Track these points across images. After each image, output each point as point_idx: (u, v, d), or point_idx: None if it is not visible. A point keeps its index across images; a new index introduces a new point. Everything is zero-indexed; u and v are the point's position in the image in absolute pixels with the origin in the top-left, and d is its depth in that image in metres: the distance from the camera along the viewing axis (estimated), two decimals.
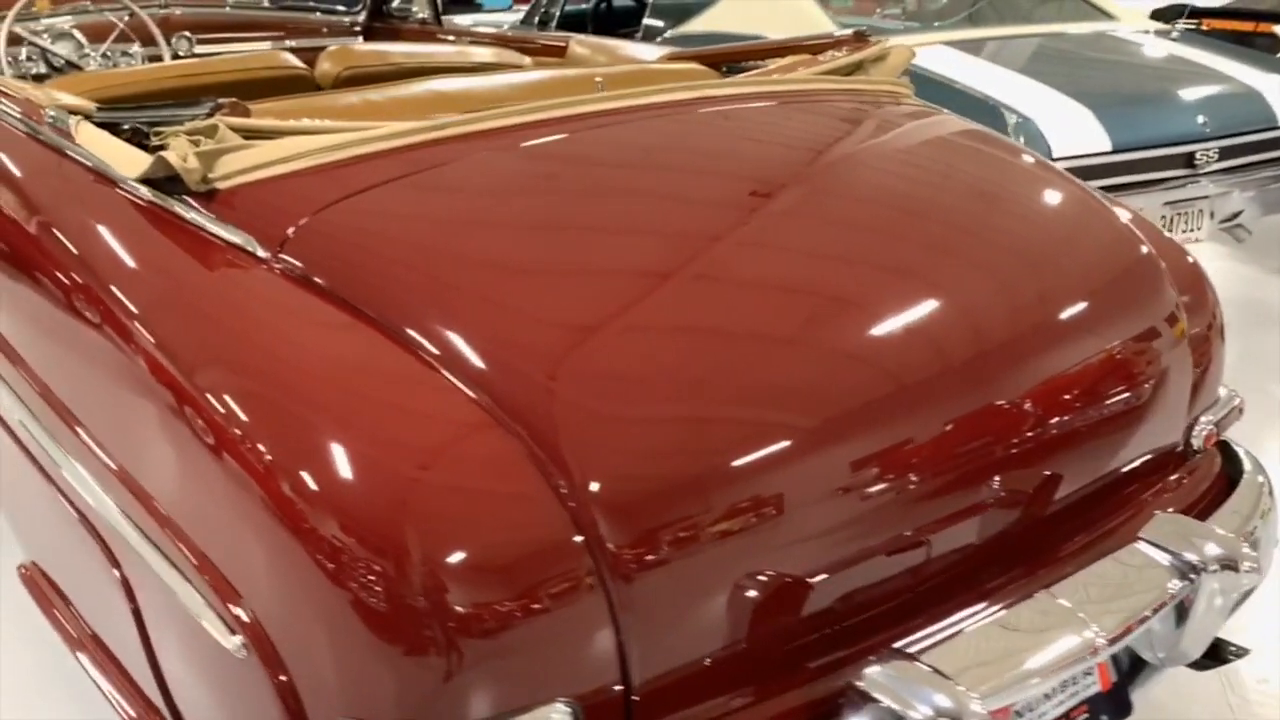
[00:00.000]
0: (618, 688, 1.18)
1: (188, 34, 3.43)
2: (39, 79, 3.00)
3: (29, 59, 3.09)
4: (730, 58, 2.62)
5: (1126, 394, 1.60)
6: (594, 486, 1.16)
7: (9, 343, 1.80)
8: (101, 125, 1.71)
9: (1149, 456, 1.69)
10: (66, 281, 1.55)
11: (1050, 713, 1.45)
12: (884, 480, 1.33)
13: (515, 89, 2.04)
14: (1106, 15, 5.04)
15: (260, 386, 1.24)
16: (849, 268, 1.52)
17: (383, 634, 1.10)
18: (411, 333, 1.28)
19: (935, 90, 3.66)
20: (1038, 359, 1.52)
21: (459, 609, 1.09)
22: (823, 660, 1.31)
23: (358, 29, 4.01)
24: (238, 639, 1.20)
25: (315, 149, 1.52)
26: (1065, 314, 1.60)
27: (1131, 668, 1.62)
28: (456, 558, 1.09)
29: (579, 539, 1.13)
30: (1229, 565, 1.49)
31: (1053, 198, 1.89)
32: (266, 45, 3.71)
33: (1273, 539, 1.76)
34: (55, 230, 1.64)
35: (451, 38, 3.69)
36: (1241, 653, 1.80)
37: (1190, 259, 1.90)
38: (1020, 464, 1.47)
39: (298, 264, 1.38)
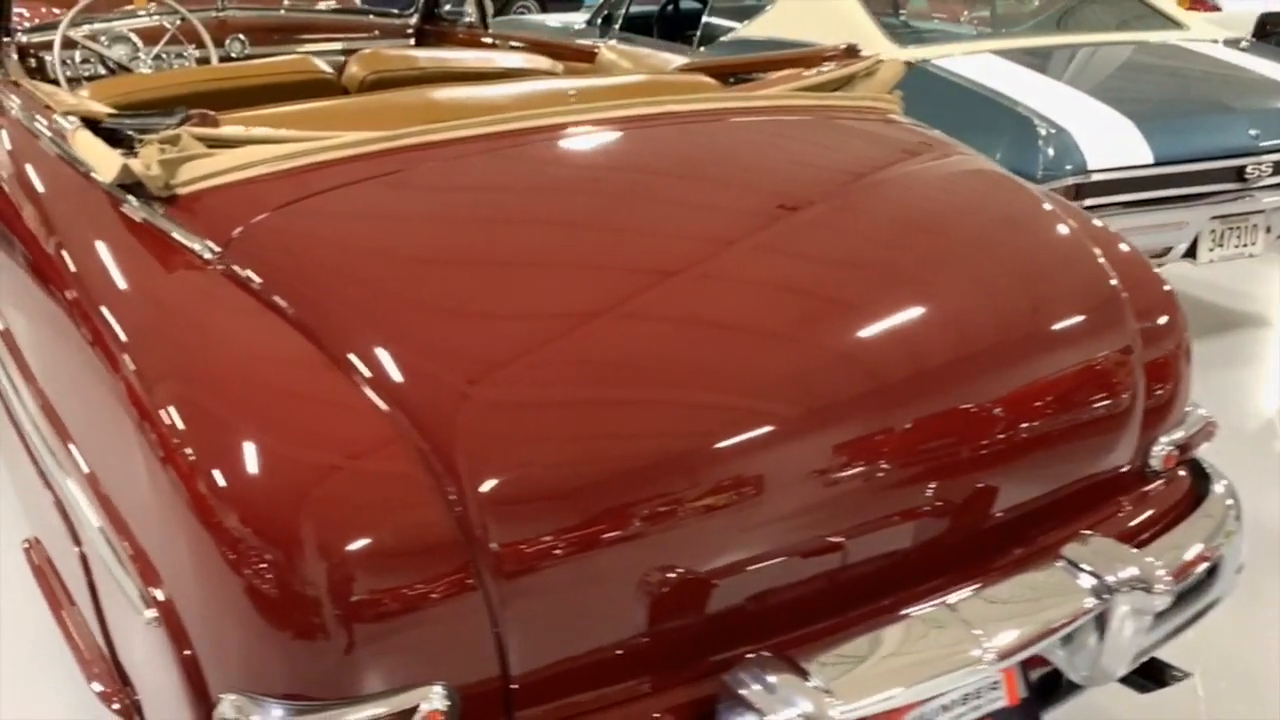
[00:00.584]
0: (496, 676, 1.25)
1: (241, 36, 3.57)
2: (93, 80, 3.17)
3: (85, 61, 3.25)
4: (737, 69, 2.65)
5: (1062, 415, 1.61)
6: (481, 489, 1.22)
7: (8, 330, 1.95)
8: (109, 129, 1.85)
9: (1089, 476, 1.69)
10: (42, 267, 1.70)
11: None
12: (781, 487, 1.37)
13: (508, 99, 2.11)
14: (1176, 24, 4.92)
15: (180, 379, 1.33)
16: (762, 282, 1.55)
17: (272, 618, 1.18)
18: (327, 332, 1.35)
19: (965, 97, 3.64)
20: (965, 376, 1.53)
21: (341, 598, 1.17)
22: (707, 659, 1.35)
23: (410, 31, 4.13)
24: (152, 613, 1.30)
25: (271, 157, 1.61)
26: (1000, 332, 1.61)
27: (1051, 685, 1.62)
28: (341, 551, 1.17)
29: (460, 538, 1.21)
30: (1141, 587, 1.49)
31: (1007, 219, 1.89)
32: (320, 47, 3.83)
33: (1236, 559, 1.76)
34: (43, 223, 1.77)
35: (493, 42, 3.79)
36: (1182, 676, 1.80)
37: (1164, 285, 1.88)
38: (935, 478, 1.48)
39: (237, 266, 1.47)
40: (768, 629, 1.38)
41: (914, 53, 4.07)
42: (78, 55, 3.23)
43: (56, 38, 3.06)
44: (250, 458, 1.22)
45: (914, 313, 1.55)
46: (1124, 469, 1.75)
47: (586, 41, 3.61)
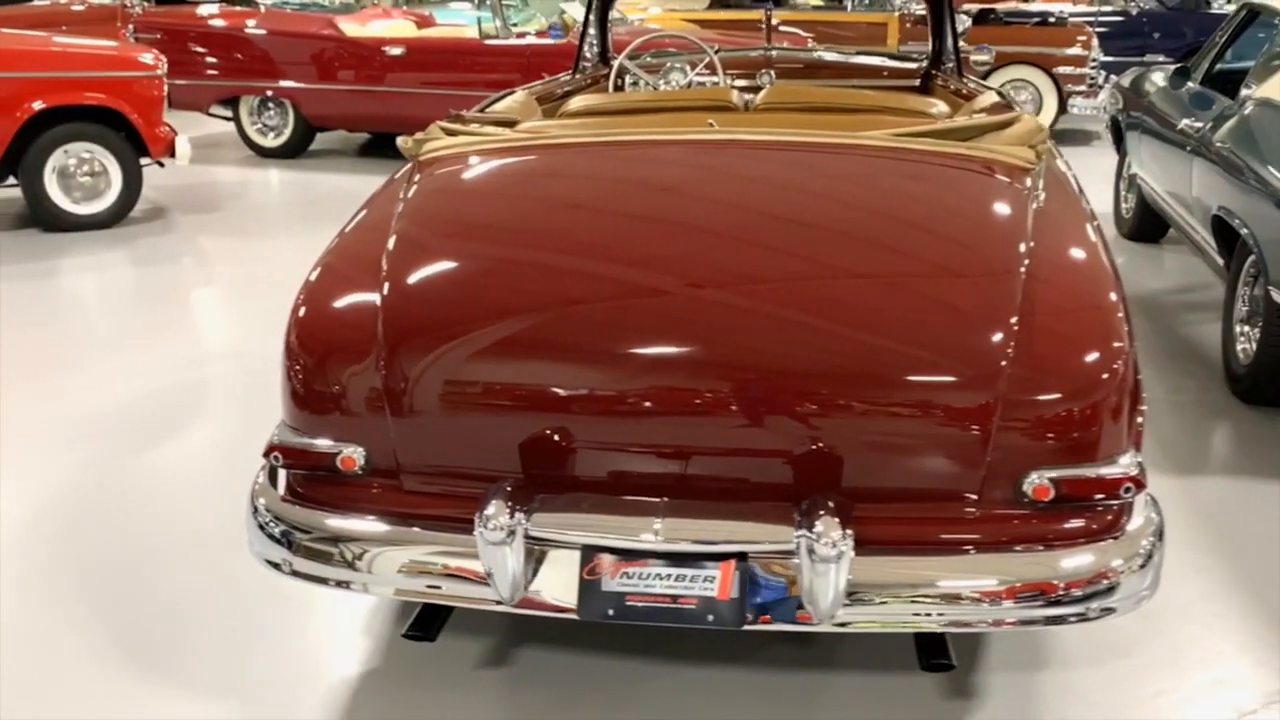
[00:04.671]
0: (391, 451, 2.19)
1: (770, 71, 4.66)
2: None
3: (634, 83, 4.72)
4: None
5: (875, 418, 2.07)
6: (392, 353, 2.16)
7: None
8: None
9: (897, 476, 2.08)
10: None
11: (657, 587, 2.04)
12: (591, 384, 2.14)
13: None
14: None
15: None
16: (658, 268, 2.30)
17: (293, 384, 2.27)
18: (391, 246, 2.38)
19: None
20: (788, 354, 2.11)
21: (313, 380, 2.25)
22: (496, 469, 2.15)
23: (918, 75, 4.57)
24: None
25: (468, 142, 2.76)
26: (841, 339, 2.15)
27: (772, 603, 2.06)
28: (321, 356, 2.26)
29: (380, 359, 2.16)
30: (813, 551, 1.94)
31: (943, 252, 2.34)
32: (833, 83, 4.62)
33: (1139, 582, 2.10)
34: None
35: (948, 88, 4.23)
36: (945, 666, 2.24)
37: (1095, 352, 2.11)
38: (725, 416, 2.08)
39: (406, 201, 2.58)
40: (552, 468, 2.14)
41: None
42: (627, 80, 4.70)
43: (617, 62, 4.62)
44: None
45: (769, 305, 2.20)
46: (965, 487, 2.05)
47: None
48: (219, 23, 9.50)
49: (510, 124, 3.06)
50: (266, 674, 2.58)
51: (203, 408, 4.28)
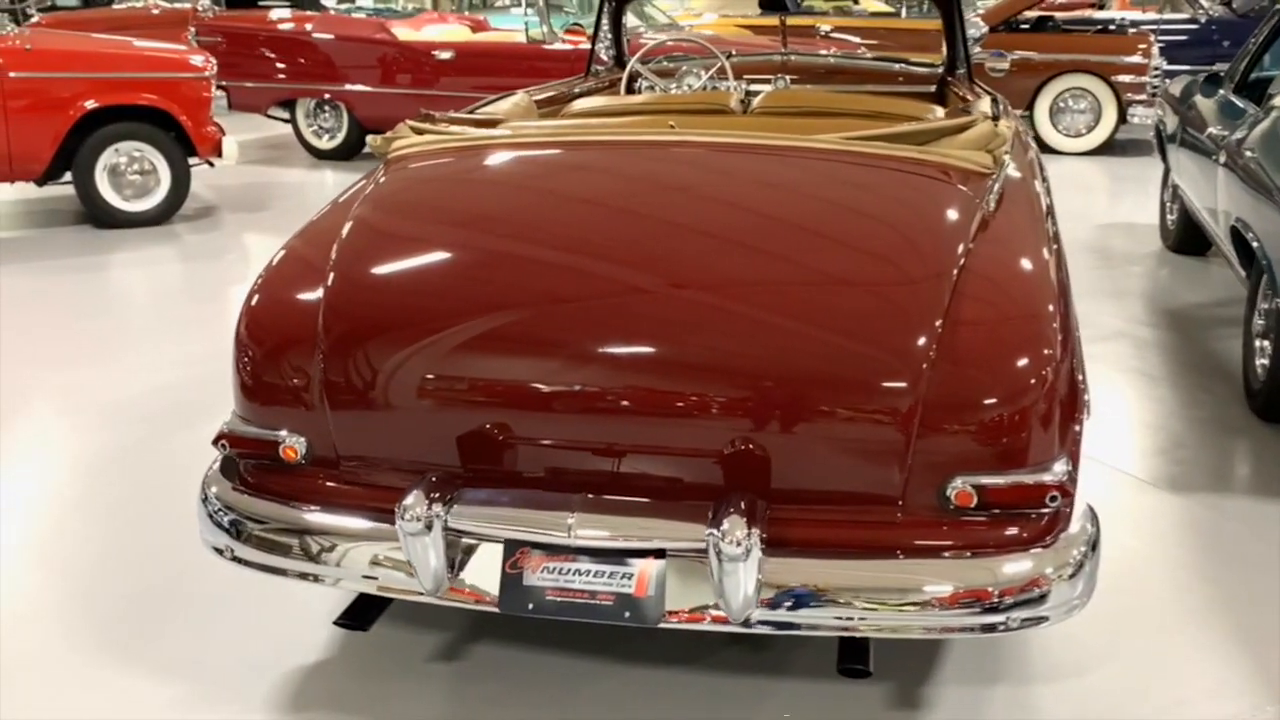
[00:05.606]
0: (328, 437, 2.26)
1: (785, 77, 4.69)
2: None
3: (650, 87, 4.77)
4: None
5: (788, 420, 2.05)
6: (328, 355, 2.22)
7: None
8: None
9: (814, 477, 2.07)
10: None
11: (576, 583, 2.06)
12: (514, 382, 2.17)
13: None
14: None
15: None
16: (590, 274, 2.34)
17: (241, 372, 2.36)
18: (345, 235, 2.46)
19: None
20: (707, 356, 2.13)
21: (261, 370, 2.32)
22: (424, 460, 2.21)
23: (934, 81, 4.59)
24: None
25: (433, 140, 2.83)
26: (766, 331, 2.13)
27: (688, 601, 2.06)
28: (270, 349, 2.33)
29: (319, 351, 2.23)
30: (719, 550, 1.94)
31: (875, 254, 2.31)
32: (848, 88, 4.70)
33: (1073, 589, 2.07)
34: None
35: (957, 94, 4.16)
36: (861, 673, 2.20)
37: (1021, 356, 2.07)
38: (623, 414, 2.11)
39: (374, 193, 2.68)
40: (481, 461, 2.18)
41: None
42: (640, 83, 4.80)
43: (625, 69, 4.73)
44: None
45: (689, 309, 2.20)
46: (887, 491, 2.04)
47: None
48: (277, 27, 9.73)
49: (492, 124, 3.10)
50: (222, 658, 2.63)
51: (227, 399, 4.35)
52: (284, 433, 2.26)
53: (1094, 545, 2.12)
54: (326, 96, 9.40)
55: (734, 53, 5.02)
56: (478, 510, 2.09)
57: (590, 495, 2.10)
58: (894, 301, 2.17)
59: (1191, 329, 5.10)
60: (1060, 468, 2.04)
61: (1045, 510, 2.05)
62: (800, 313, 2.18)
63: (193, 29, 9.72)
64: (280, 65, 9.46)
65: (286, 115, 9.71)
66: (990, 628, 2.05)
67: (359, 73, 9.26)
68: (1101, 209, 8.14)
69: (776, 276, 2.27)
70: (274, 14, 10.11)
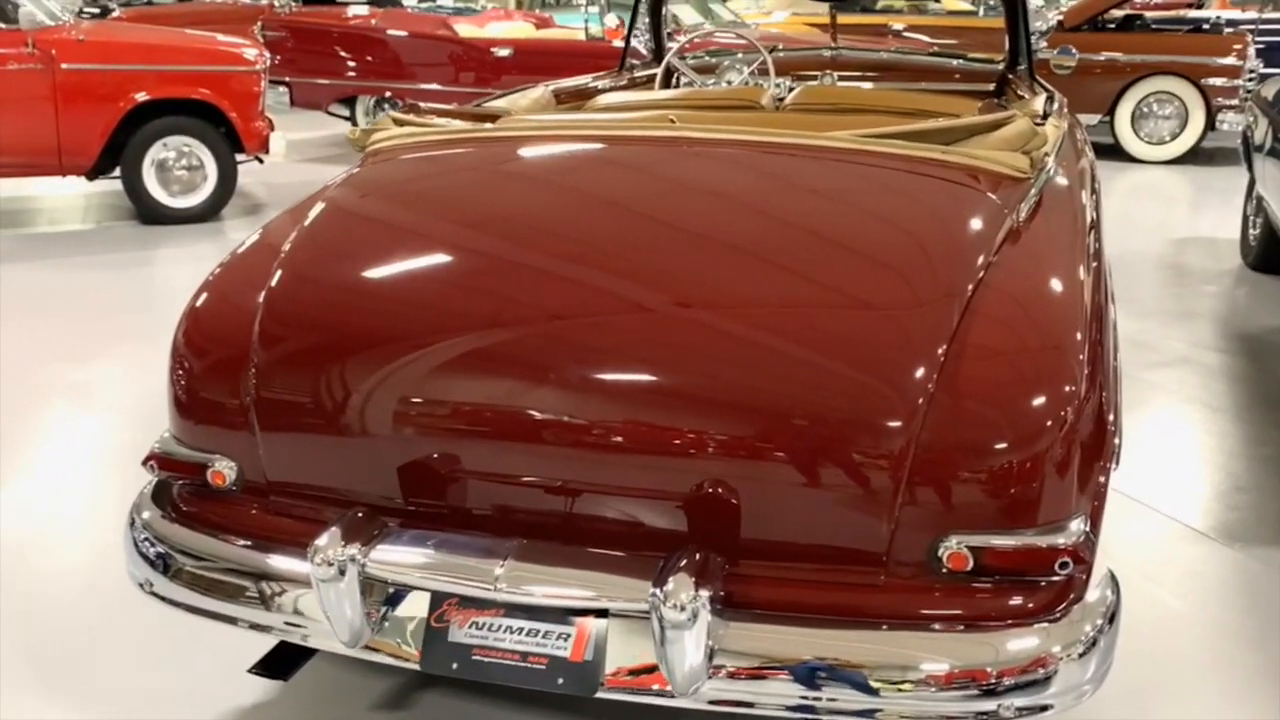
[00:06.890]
0: (259, 464, 2.05)
1: (832, 73, 4.45)
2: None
3: (688, 83, 4.48)
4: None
5: (760, 471, 1.78)
6: (259, 372, 2.01)
7: None
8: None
9: (793, 533, 1.79)
10: None
11: (506, 642, 1.82)
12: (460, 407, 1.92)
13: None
14: None
15: None
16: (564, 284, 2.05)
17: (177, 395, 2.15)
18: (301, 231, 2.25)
19: None
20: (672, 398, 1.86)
21: (195, 390, 2.11)
22: (357, 493, 1.99)
23: (994, 78, 4.32)
24: None
25: (413, 133, 2.59)
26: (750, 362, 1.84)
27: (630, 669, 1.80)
28: (204, 364, 2.13)
29: (252, 367, 2.02)
30: (660, 617, 1.68)
31: (873, 271, 2.00)
32: (902, 85, 4.46)
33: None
34: None
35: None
36: None
37: (1032, 403, 1.77)
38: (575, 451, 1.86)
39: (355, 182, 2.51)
40: (413, 497, 1.96)
41: None
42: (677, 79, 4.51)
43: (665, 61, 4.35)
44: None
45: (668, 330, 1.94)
46: (869, 547, 1.76)
47: None
48: (340, 22, 9.71)
49: (486, 117, 2.86)
50: (165, 691, 2.48)
51: None
52: (213, 455, 2.06)
53: (1112, 617, 1.81)
54: (387, 94, 9.33)
55: (780, 48, 4.75)
56: (399, 554, 1.85)
57: (525, 542, 1.86)
58: (891, 321, 1.86)
59: (1266, 356, 4.71)
60: (1076, 527, 1.74)
61: (1055, 578, 1.77)
62: (779, 333, 1.89)
63: (260, 23, 9.74)
64: (341, 61, 9.43)
65: (347, 113, 9.68)
66: (986, 715, 1.74)
67: (418, 69, 9.19)
68: (1180, 222, 7.70)
69: (757, 290, 1.98)
70: (351, 10, 10.09)
